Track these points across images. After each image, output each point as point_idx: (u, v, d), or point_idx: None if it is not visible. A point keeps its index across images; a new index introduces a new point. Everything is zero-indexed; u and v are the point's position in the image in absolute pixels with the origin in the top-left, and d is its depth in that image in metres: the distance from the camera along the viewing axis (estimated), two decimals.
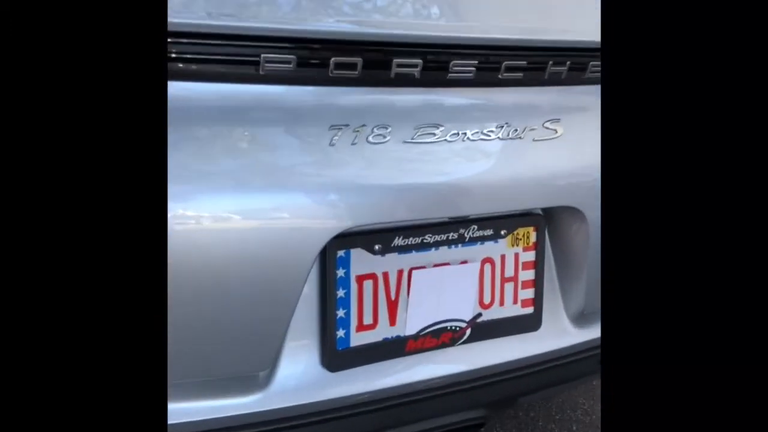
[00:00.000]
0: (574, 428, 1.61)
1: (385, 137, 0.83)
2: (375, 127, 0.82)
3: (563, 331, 1.05)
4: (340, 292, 0.87)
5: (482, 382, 0.98)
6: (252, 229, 0.77)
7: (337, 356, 0.88)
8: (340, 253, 0.85)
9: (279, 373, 0.86)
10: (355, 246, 0.86)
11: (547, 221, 1.00)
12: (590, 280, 1.03)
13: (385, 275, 0.89)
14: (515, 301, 0.99)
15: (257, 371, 0.84)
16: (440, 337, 0.95)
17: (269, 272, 0.79)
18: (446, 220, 0.92)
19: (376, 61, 0.80)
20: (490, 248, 0.95)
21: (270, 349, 0.84)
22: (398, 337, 0.92)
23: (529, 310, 1.01)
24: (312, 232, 0.80)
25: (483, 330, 0.97)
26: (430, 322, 0.94)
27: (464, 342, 0.96)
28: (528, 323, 1.01)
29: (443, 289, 0.93)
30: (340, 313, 0.88)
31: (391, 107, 0.85)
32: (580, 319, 1.06)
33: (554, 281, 1.04)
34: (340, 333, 0.88)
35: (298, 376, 0.87)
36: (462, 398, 0.98)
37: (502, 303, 0.98)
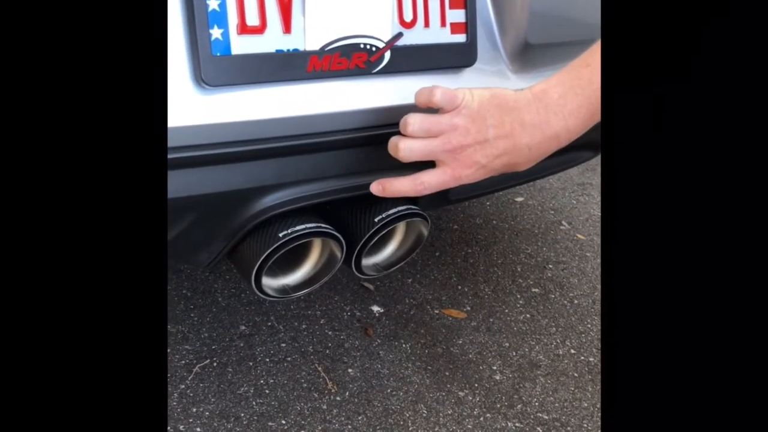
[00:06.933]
0: (519, 269, 1.45)
1: None
2: None
3: (501, 74, 0.86)
4: None
5: None
6: None
7: (213, 64, 0.66)
8: None
9: None
10: None
11: None
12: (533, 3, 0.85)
13: None
14: (443, 23, 0.80)
15: None
16: (352, 57, 0.74)
17: None
18: None
19: None
20: None
21: None
22: (297, 51, 0.71)
23: (461, 38, 0.81)
24: None
25: (406, 56, 0.77)
26: (338, 36, 0.73)
27: (384, 70, 0.76)
28: (461, 55, 0.82)
29: None
30: (213, 3, 0.65)
31: None
32: (521, 58, 0.88)
33: (487, 4, 0.85)
34: (216, 33, 0.66)
35: None
36: (384, 152, 0.78)
37: (426, 23, 0.78)
